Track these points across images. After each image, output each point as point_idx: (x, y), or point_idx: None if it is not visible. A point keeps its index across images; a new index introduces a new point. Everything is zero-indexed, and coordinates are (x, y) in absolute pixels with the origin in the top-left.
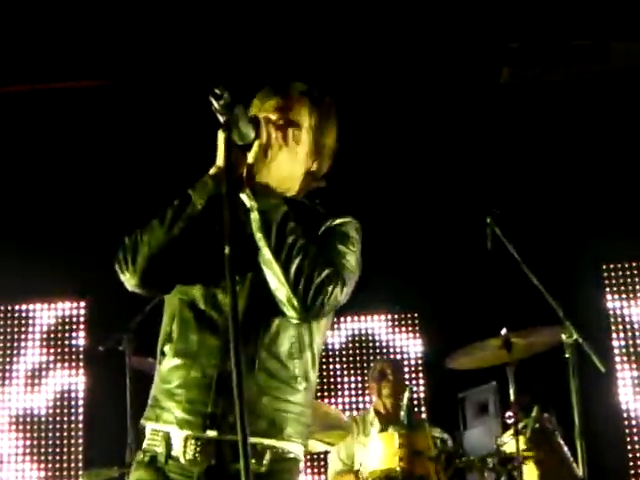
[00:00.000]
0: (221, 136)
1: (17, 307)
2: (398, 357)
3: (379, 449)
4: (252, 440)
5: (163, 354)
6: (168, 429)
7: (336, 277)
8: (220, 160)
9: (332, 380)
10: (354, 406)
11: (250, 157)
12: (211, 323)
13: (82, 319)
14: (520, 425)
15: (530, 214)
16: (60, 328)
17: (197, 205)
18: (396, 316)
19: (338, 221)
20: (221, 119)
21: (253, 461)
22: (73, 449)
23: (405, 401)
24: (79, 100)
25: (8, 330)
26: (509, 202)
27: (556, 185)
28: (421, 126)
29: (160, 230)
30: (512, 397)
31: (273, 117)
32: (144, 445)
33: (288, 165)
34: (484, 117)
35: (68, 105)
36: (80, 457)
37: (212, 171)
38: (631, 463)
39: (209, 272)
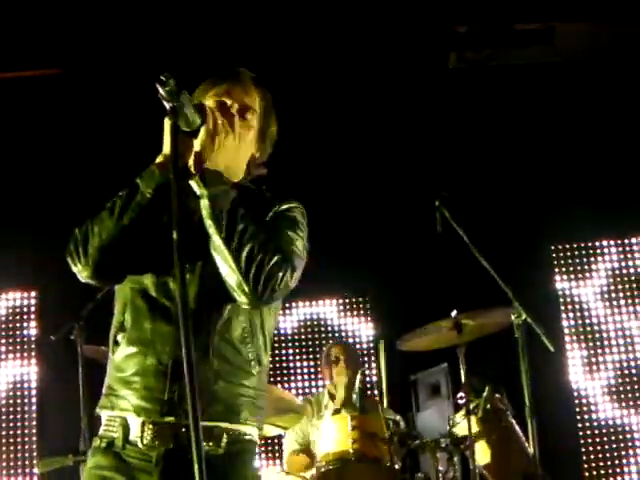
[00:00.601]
0: (167, 123)
1: None
2: (350, 341)
3: (332, 431)
4: (209, 424)
5: (116, 343)
6: (125, 415)
7: (286, 263)
8: (167, 148)
9: (285, 365)
10: (307, 390)
11: (198, 144)
12: (164, 311)
13: (33, 309)
14: (471, 405)
15: (479, 196)
16: (11, 318)
17: (145, 194)
18: (347, 300)
19: (285, 206)
20: (167, 106)
21: (211, 444)
22: (27, 439)
23: (357, 384)
24: (30, 89)
25: None
26: (458, 185)
27: (505, 168)
28: (370, 110)
29: (110, 220)
30: (463, 378)
31: (228, 102)
32: (100, 431)
33: (235, 151)
34: (433, 101)
35: (19, 94)
36: (34, 446)
37: (159, 159)
38: (582, 441)
39: (160, 260)
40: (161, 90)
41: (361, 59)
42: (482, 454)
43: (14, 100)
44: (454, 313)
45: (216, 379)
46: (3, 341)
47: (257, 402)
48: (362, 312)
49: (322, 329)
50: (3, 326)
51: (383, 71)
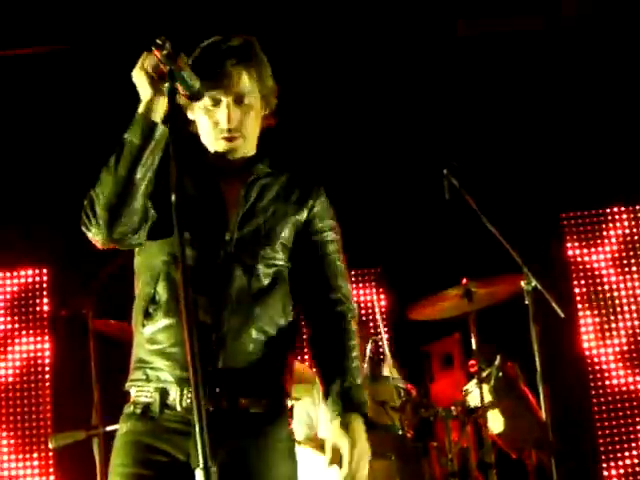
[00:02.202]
0: (165, 85)
1: None
2: (362, 312)
3: None
4: (248, 390)
5: (148, 316)
6: (164, 386)
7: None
8: (144, 96)
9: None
10: None
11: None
12: (209, 283)
13: (45, 286)
14: (483, 374)
15: (488, 164)
16: (24, 295)
17: (134, 141)
18: (359, 271)
19: (325, 205)
20: (164, 69)
21: (251, 403)
22: (42, 415)
23: (368, 353)
24: (34, 65)
25: None
26: (467, 153)
27: (515, 136)
28: (377, 79)
29: (108, 177)
30: (474, 346)
31: (223, 98)
32: (132, 398)
33: (255, 131)
34: (441, 70)
35: (24, 71)
36: (48, 422)
37: (141, 108)
38: (595, 408)
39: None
40: (158, 54)
41: (367, 28)
42: (494, 422)
43: (23, 78)
44: (464, 281)
45: (257, 347)
46: (16, 318)
47: (288, 372)
48: (373, 282)
49: None
50: (16, 303)
51: (392, 40)
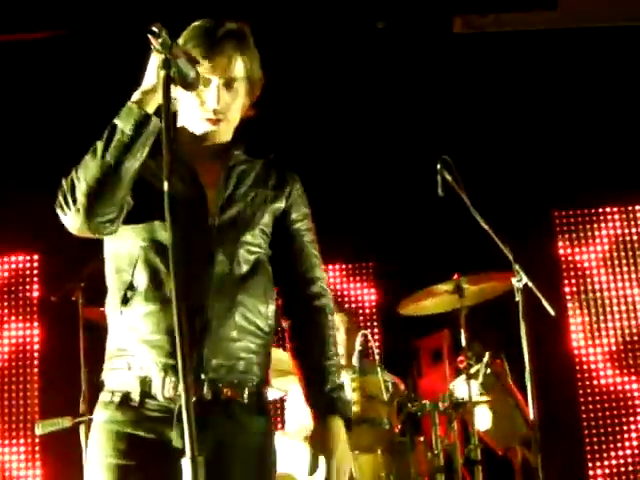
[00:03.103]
0: (161, 74)
1: None
2: (352, 306)
3: None
4: (232, 377)
5: (126, 302)
6: (146, 374)
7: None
8: (144, 84)
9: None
10: None
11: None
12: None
13: (36, 272)
14: (472, 370)
15: (482, 160)
16: (14, 281)
17: (126, 131)
18: (349, 266)
19: (300, 192)
20: (160, 58)
21: (235, 395)
22: (29, 401)
23: (357, 346)
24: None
25: None
26: (461, 149)
27: (508, 133)
28: (372, 74)
29: (94, 162)
30: (464, 342)
31: (212, 78)
32: (110, 386)
33: (237, 118)
34: (436, 66)
35: (24, 56)
36: (36, 408)
37: (135, 97)
38: (582, 407)
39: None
40: (153, 41)
41: (364, 22)
42: (481, 419)
43: (20, 63)
44: (455, 276)
45: (240, 334)
46: (6, 303)
47: (268, 360)
48: (365, 277)
49: None
50: (6, 289)
51: (386, 35)
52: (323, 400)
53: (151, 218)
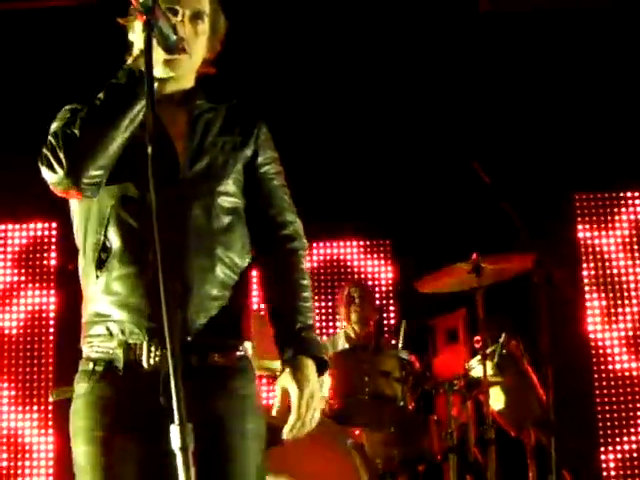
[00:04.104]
0: (143, 36)
1: None
2: (369, 283)
3: (346, 369)
4: (217, 342)
5: (101, 265)
6: (129, 340)
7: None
8: (134, 50)
9: None
10: (324, 331)
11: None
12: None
13: (54, 240)
14: (488, 351)
15: (503, 142)
16: (32, 249)
17: (123, 88)
18: (368, 242)
19: (267, 135)
20: (141, 20)
21: (221, 357)
22: (43, 368)
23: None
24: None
25: None
26: (483, 130)
27: (531, 115)
28: (398, 52)
29: (94, 119)
30: (480, 322)
31: (179, 9)
32: (91, 355)
33: (197, 62)
34: (461, 46)
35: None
36: (50, 376)
37: (130, 61)
38: (597, 391)
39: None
40: (135, 2)
41: (387, 4)
42: (496, 399)
43: (49, 30)
44: (474, 256)
45: (222, 291)
46: (23, 270)
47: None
48: (382, 254)
49: (342, 270)
50: (24, 256)
51: (413, 17)
52: (291, 340)
53: (121, 175)
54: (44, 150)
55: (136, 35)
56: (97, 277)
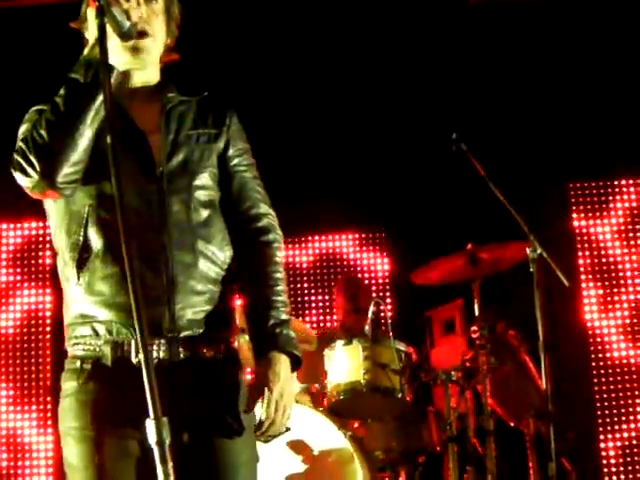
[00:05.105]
0: (94, 22)
1: None
2: (366, 276)
3: (344, 362)
4: (205, 335)
5: (82, 266)
6: (116, 339)
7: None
8: (92, 37)
9: (299, 299)
10: (321, 325)
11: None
12: (146, 223)
13: (48, 238)
14: (485, 340)
15: (497, 130)
16: (27, 247)
17: (81, 80)
18: (363, 235)
19: (238, 126)
20: (94, 6)
21: (211, 351)
22: (41, 367)
23: (370, 314)
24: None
25: None
26: (475, 119)
27: (524, 104)
28: (387, 45)
29: (58, 118)
30: (477, 313)
31: None
32: (78, 354)
33: (161, 40)
34: (451, 36)
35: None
36: (48, 375)
37: (86, 51)
38: (595, 380)
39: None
40: None
41: None
42: (494, 389)
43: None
44: (469, 246)
45: (206, 285)
46: (19, 270)
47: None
48: (378, 247)
49: (337, 263)
50: (19, 255)
51: (400, 5)
52: (264, 335)
53: (96, 174)
54: (15, 156)
55: (89, 23)
56: (78, 278)
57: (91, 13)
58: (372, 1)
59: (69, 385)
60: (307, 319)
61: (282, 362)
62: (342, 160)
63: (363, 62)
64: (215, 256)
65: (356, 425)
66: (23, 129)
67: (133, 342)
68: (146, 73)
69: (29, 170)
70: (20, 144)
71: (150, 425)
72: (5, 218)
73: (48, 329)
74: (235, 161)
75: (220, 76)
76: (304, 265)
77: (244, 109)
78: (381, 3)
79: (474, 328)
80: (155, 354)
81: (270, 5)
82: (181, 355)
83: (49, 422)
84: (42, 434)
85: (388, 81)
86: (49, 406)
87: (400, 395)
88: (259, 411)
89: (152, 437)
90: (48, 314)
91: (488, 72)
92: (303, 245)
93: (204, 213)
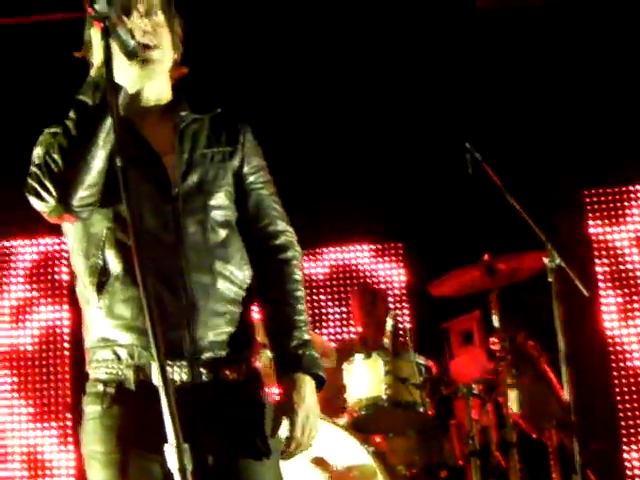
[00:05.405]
0: (100, 43)
1: (0, 244)
2: (382, 287)
3: (364, 376)
4: (227, 357)
5: (102, 289)
6: (138, 363)
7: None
8: (99, 59)
9: (316, 312)
10: (338, 337)
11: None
12: (163, 245)
13: (65, 254)
14: (504, 352)
15: (511, 139)
16: (44, 264)
17: (91, 102)
18: (379, 246)
19: (252, 142)
20: (99, 27)
21: (233, 372)
22: (60, 384)
23: (389, 327)
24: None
25: None
26: (489, 127)
27: (538, 111)
28: (398, 52)
29: (70, 141)
30: (496, 324)
31: (141, 7)
32: (100, 377)
33: (166, 56)
34: (461, 42)
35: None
36: (67, 392)
37: (93, 72)
38: (617, 389)
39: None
40: (90, 10)
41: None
42: (515, 401)
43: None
44: (486, 257)
45: (225, 305)
46: (36, 286)
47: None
48: (395, 258)
49: (354, 275)
50: (35, 271)
51: (409, 10)
52: (287, 357)
53: (113, 196)
54: (30, 181)
55: (94, 44)
56: (98, 301)
57: (96, 34)
58: (381, 6)
59: (92, 409)
60: (324, 331)
61: (307, 384)
62: (358, 171)
63: (373, 72)
64: (234, 276)
65: (378, 440)
66: (37, 152)
67: (154, 366)
68: (157, 90)
69: (45, 195)
70: (34, 169)
71: (169, 450)
72: (20, 234)
73: (66, 345)
74: (251, 179)
75: (229, 88)
76: (320, 277)
77: (260, 120)
78: (390, 8)
79: (494, 339)
80: (177, 377)
81: (276, 11)
82: (203, 377)
83: (69, 439)
84: (63, 451)
85: (402, 90)
86: (69, 423)
87: (422, 409)
88: (283, 431)
89: (173, 463)
90: (66, 330)
91: (500, 78)
92: (319, 257)
93: (221, 233)
